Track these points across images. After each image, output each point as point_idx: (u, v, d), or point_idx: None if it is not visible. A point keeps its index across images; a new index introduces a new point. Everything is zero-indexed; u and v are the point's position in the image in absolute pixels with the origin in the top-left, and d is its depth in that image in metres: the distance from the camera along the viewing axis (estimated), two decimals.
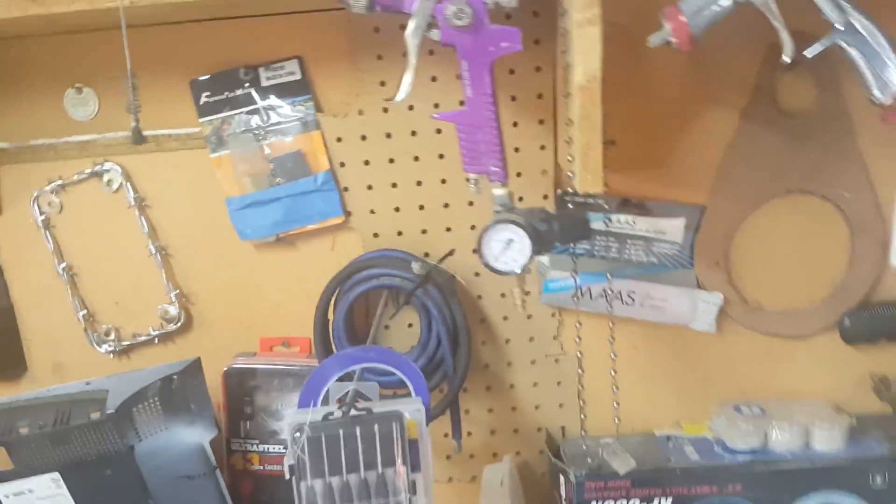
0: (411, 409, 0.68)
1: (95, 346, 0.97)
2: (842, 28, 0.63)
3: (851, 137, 0.87)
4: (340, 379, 0.70)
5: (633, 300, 0.92)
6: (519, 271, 0.67)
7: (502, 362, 0.96)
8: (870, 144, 0.86)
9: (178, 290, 0.96)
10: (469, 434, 0.97)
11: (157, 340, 0.97)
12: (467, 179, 0.70)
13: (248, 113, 0.90)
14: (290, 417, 0.66)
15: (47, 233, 0.95)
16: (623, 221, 0.90)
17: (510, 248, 0.66)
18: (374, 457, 0.66)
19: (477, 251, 0.68)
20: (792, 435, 0.87)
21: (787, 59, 0.64)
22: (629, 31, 0.72)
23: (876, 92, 0.65)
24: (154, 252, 0.95)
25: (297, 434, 0.65)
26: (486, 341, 0.95)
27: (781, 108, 0.87)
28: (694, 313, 0.92)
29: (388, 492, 0.66)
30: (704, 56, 0.80)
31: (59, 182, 0.94)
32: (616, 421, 0.87)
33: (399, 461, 0.66)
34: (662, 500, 0.86)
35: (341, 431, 0.66)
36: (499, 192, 0.68)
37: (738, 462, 0.87)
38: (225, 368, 0.93)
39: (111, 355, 0.98)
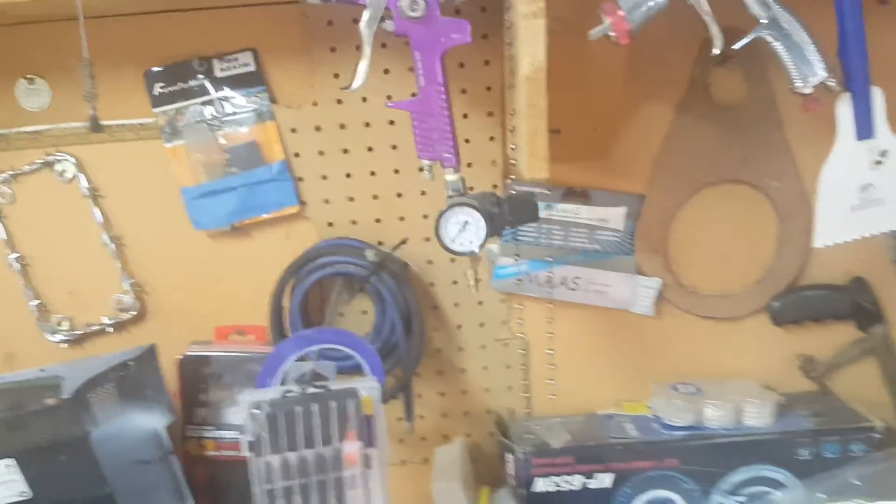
0: (367, 386, 0.70)
1: (48, 335, 0.98)
2: (766, 22, 0.68)
3: (779, 129, 0.92)
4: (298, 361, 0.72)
5: (578, 285, 0.96)
6: (477, 251, 0.70)
7: (453, 347, 0.99)
8: (796, 135, 0.92)
9: (132, 280, 0.97)
10: (421, 417, 1.00)
11: (111, 330, 0.98)
12: (420, 169, 0.73)
13: (203, 104, 0.91)
14: (248, 396, 0.68)
15: None
16: (567, 210, 0.95)
17: (466, 230, 0.70)
18: (331, 432, 0.69)
19: (435, 234, 0.71)
20: (725, 411, 0.92)
21: (716, 51, 0.69)
22: (571, 25, 0.75)
23: (797, 82, 0.70)
24: (108, 242, 0.95)
25: (256, 410, 0.67)
26: (438, 327, 0.98)
27: (714, 101, 0.92)
28: (634, 297, 0.97)
29: (344, 466, 0.69)
30: (642, 51, 0.85)
31: (11, 172, 0.94)
32: (552, 397, 0.91)
33: (355, 436, 0.69)
34: (604, 474, 0.90)
35: (299, 408, 0.68)
36: (451, 177, 0.71)
37: (675, 437, 0.92)
38: (180, 356, 0.94)
39: (64, 345, 0.98)
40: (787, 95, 0.90)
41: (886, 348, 0.99)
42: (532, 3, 0.65)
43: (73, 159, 0.94)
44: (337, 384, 0.70)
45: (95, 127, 0.73)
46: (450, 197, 0.71)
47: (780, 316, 0.98)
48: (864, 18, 0.70)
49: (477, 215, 0.69)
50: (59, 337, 0.98)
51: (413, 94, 0.72)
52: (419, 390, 0.99)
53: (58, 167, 0.94)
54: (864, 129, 0.71)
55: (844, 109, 0.72)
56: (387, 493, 0.70)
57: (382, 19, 0.67)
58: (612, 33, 0.69)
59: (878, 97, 0.71)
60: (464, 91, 0.90)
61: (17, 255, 0.96)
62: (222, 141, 0.92)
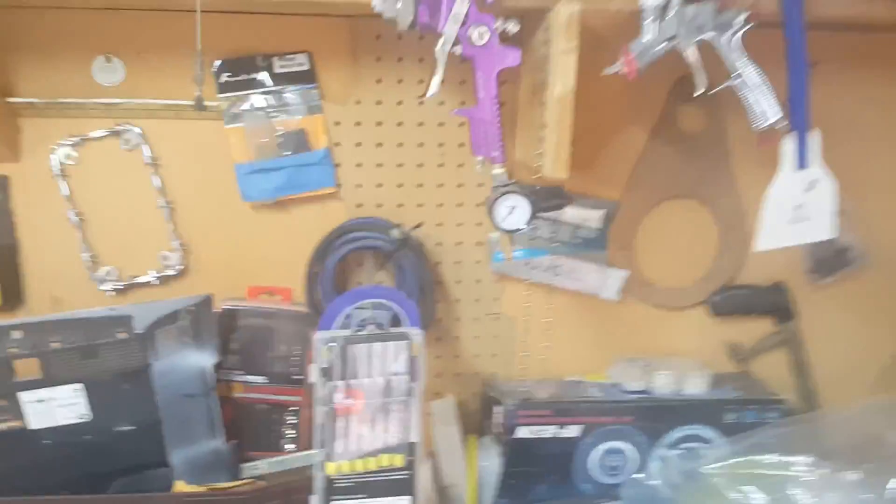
0: (414, 333, 0.88)
1: (97, 284, 1.10)
2: (738, 74, 0.90)
3: (727, 157, 1.15)
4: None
5: (560, 272, 1.16)
6: (525, 228, 0.89)
7: (452, 318, 1.17)
8: (740, 163, 1.15)
9: (179, 240, 1.10)
10: None
11: (155, 283, 1.11)
12: (460, 164, 0.92)
13: (262, 94, 1.07)
14: (322, 334, 0.85)
15: (63, 181, 1.07)
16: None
17: (513, 213, 0.88)
18: (386, 366, 0.86)
19: (488, 214, 0.89)
20: (670, 380, 1.14)
21: (699, 91, 0.91)
22: (583, 60, 0.95)
23: (757, 122, 0.92)
24: (162, 205, 1.09)
25: (332, 344, 0.83)
26: (440, 300, 1.16)
27: (679, 130, 1.14)
28: (604, 285, 1.18)
29: (394, 393, 0.86)
30: (628, 84, 1.06)
31: (80, 138, 1.06)
32: (531, 364, 1.10)
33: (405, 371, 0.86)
34: (574, 425, 1.10)
35: (363, 345, 0.85)
36: (498, 171, 0.90)
37: (630, 399, 1.12)
38: (220, 309, 1.09)
39: (111, 293, 1.10)
40: (735, 130, 1.14)
41: (796, 340, 1.23)
42: (569, 42, 0.85)
43: (139, 130, 1.07)
44: (393, 330, 0.87)
45: (200, 106, 0.87)
46: (496, 187, 0.90)
47: (717, 309, 1.21)
48: (808, 75, 0.93)
49: (524, 201, 0.88)
50: (107, 286, 1.10)
51: (441, 103, 0.90)
52: None
53: (124, 136, 1.07)
54: (802, 161, 0.94)
55: (788, 145, 0.95)
56: (422, 417, 0.88)
57: (453, 44, 0.85)
58: (624, 70, 0.89)
59: (814, 137, 0.95)
60: None
61: (77, 211, 1.08)
62: (277, 127, 1.07)
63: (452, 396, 1.17)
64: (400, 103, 1.09)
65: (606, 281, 1.17)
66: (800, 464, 1.05)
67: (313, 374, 0.84)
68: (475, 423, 1.18)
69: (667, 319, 1.21)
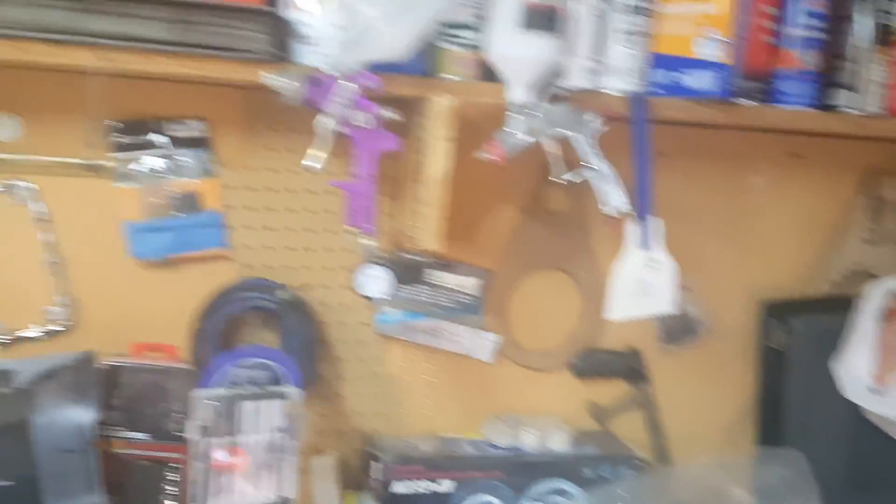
0: (292, 392, 0.93)
1: None
2: (590, 166, 1.02)
3: (587, 234, 1.28)
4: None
5: (438, 334, 1.25)
6: (386, 297, 0.96)
7: (335, 376, 1.23)
8: (599, 240, 1.28)
9: (64, 296, 1.12)
10: None
11: (41, 338, 1.11)
12: (347, 231, 0.99)
13: (155, 155, 1.11)
14: (203, 392, 0.89)
15: None
16: (436, 276, 1.23)
17: (375, 282, 0.96)
18: (266, 423, 0.91)
19: (353, 282, 0.96)
20: (535, 437, 1.23)
21: (554, 179, 1.02)
22: (461, 144, 1.05)
23: (606, 208, 1.05)
24: (48, 261, 1.11)
25: (213, 402, 0.88)
26: (325, 359, 1.22)
27: (547, 209, 1.26)
28: (478, 347, 1.26)
29: (273, 450, 0.91)
30: (501, 169, 1.17)
31: None
32: (410, 421, 1.17)
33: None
34: (447, 480, 1.17)
35: (242, 403, 0.90)
36: (368, 242, 0.98)
37: (499, 455, 1.21)
38: (102, 365, 1.10)
39: None
40: (595, 211, 1.24)
41: (649, 402, 1.35)
42: (446, 131, 0.95)
43: (28, 185, 1.09)
44: (271, 388, 0.93)
45: (91, 167, 0.91)
46: (366, 257, 0.97)
47: (578, 371, 1.32)
48: (652, 169, 1.06)
49: (387, 272, 0.96)
50: None
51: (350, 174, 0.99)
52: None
53: (13, 191, 1.09)
54: (644, 243, 1.07)
55: (633, 228, 1.07)
56: (298, 473, 0.93)
57: (338, 123, 0.93)
58: (492, 157, 1.00)
59: (657, 223, 1.08)
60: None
61: None
62: (169, 188, 1.12)
63: (333, 453, 1.21)
64: (290, 171, 1.16)
65: (481, 343, 1.26)
66: None
67: (190, 431, 0.87)
68: (357, 479, 1.23)
69: (535, 380, 1.31)
